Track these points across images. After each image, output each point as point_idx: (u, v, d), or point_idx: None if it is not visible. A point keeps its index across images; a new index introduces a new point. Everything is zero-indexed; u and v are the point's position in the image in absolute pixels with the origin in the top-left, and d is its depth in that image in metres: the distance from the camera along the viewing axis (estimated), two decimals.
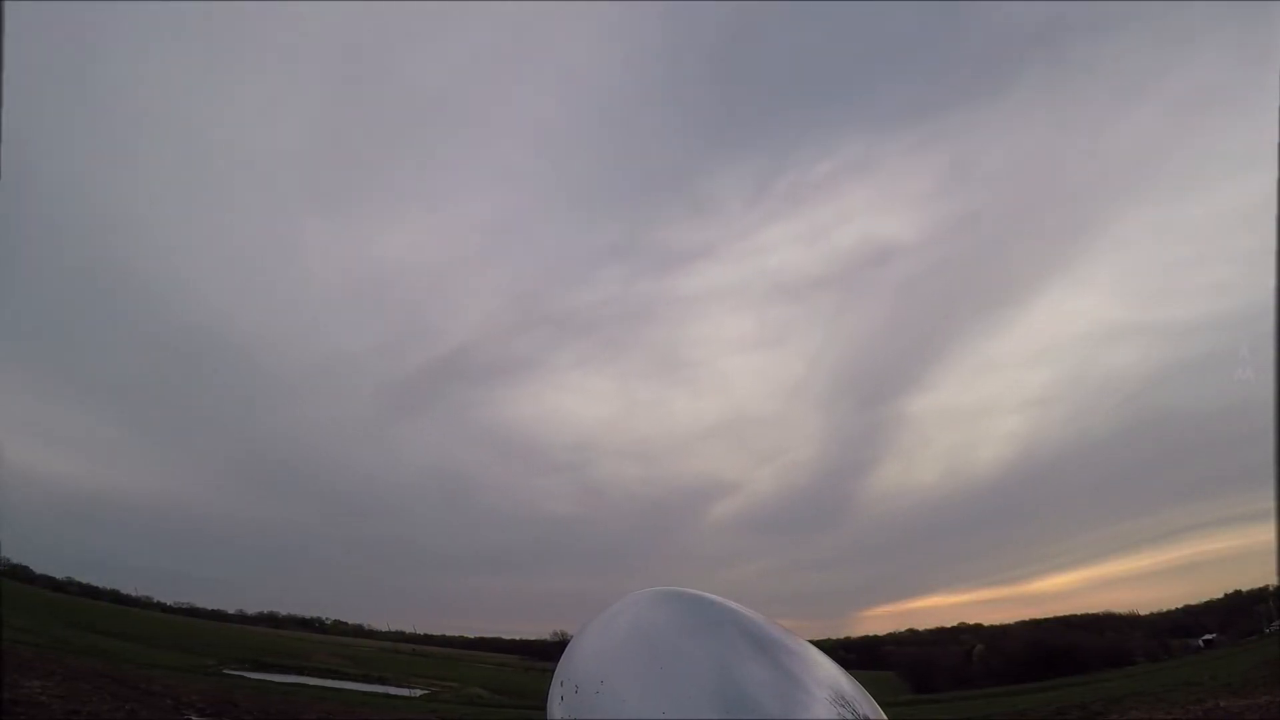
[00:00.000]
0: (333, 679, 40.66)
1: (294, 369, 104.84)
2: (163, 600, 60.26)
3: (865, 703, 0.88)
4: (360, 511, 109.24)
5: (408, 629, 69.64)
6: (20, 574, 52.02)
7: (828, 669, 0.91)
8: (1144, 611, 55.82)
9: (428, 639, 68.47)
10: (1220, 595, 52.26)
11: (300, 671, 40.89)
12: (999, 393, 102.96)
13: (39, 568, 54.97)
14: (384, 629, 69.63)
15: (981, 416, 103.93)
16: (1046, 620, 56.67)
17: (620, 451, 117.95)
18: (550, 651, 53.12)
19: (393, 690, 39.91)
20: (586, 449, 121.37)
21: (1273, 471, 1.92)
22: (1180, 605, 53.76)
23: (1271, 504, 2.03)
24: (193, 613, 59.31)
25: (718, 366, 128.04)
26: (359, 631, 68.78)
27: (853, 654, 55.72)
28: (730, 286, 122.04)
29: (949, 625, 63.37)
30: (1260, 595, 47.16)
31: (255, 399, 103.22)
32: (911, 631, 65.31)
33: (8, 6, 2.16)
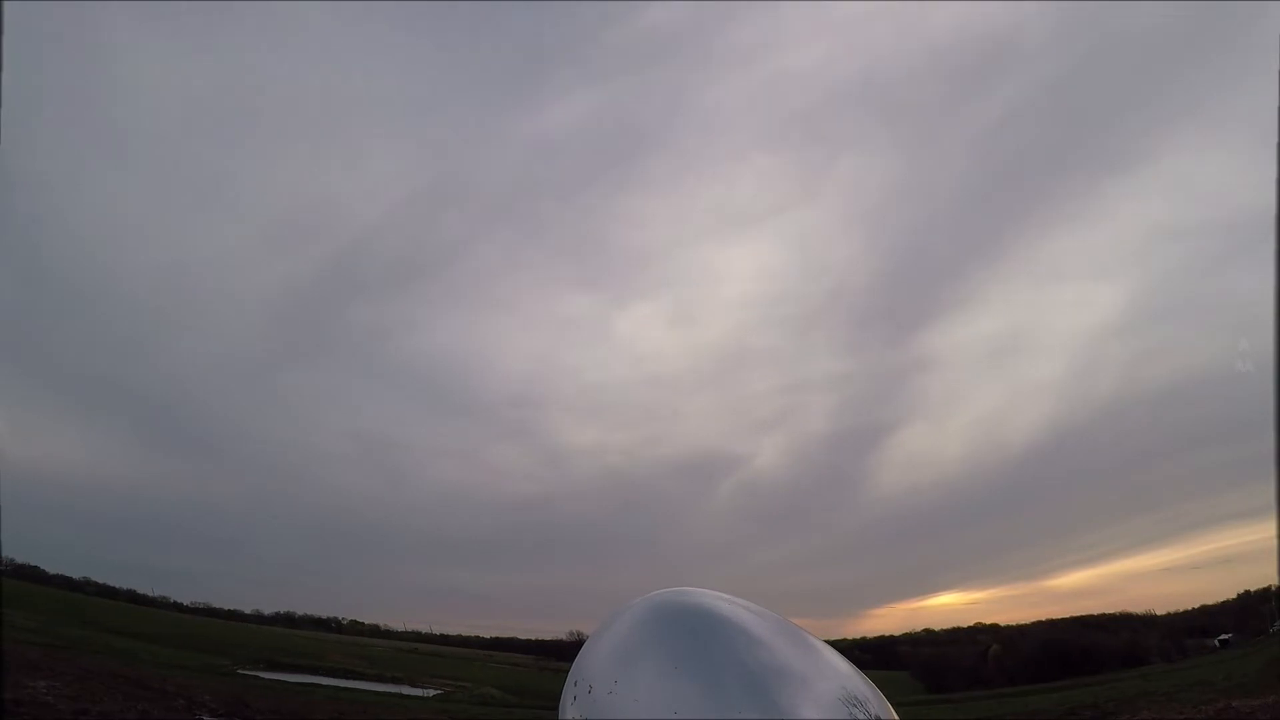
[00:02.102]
0: (347, 679, 40.90)
1: (137, 276, 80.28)
2: (180, 600, 60.94)
3: (878, 703, 0.88)
4: (290, 494, 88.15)
5: (424, 629, 69.74)
6: (29, 574, 52.23)
7: (840, 672, 0.91)
8: (1160, 611, 55.18)
9: (444, 639, 68.70)
10: (1233, 595, 51.35)
11: (315, 671, 41.17)
12: (1055, 318, 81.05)
13: (52, 567, 55.30)
14: (400, 629, 69.93)
15: (1027, 356, 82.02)
16: (1063, 620, 56.27)
17: (576, 408, 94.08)
18: (566, 651, 53.04)
19: (406, 690, 40.10)
20: (534, 405, 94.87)
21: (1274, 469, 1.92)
22: (1197, 605, 53.06)
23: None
24: (210, 613, 59.86)
25: (702, 266, 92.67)
26: (375, 631, 69.13)
27: (868, 654, 55.60)
28: (726, 112, 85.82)
29: (965, 625, 62.98)
30: (1264, 595, 46.37)
31: (105, 332, 79.30)
32: (928, 631, 64.99)
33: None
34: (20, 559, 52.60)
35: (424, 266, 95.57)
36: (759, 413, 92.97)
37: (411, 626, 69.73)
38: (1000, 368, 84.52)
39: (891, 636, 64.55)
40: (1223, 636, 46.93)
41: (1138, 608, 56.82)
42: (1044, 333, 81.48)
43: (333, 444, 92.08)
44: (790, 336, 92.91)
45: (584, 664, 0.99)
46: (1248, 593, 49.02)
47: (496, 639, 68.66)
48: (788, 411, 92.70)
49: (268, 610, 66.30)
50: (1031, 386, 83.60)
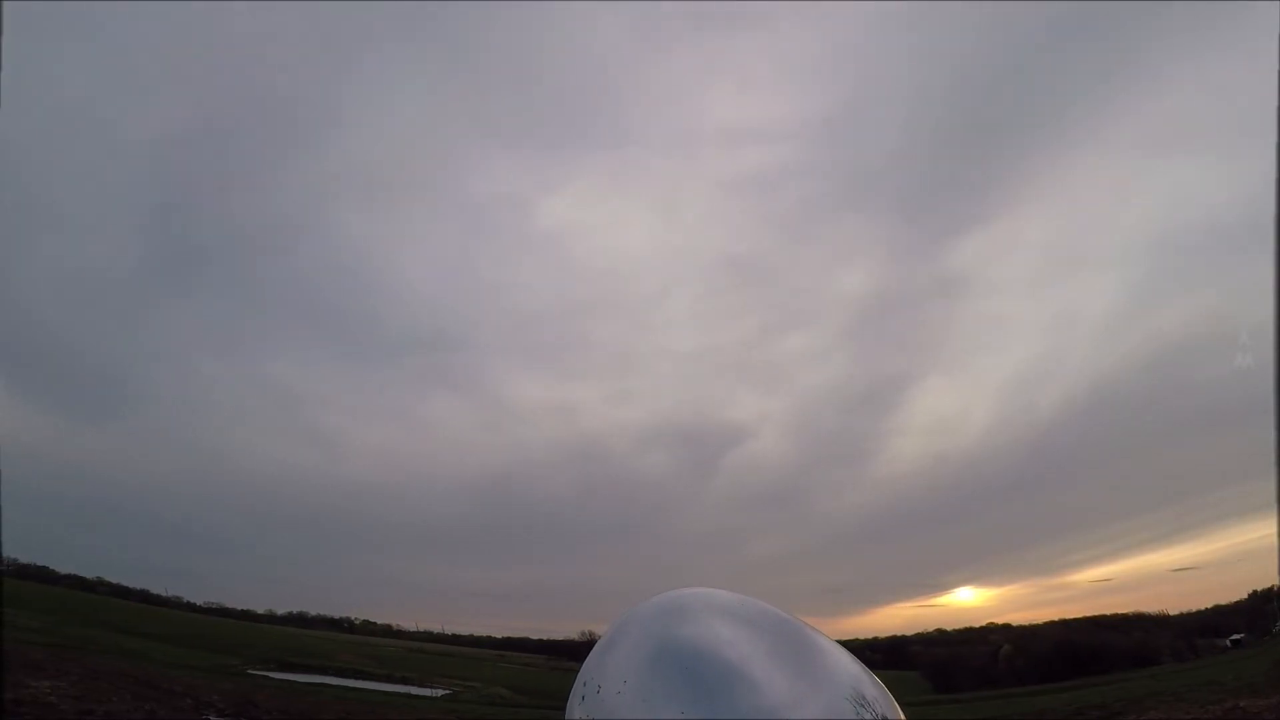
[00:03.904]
0: (357, 679, 41.16)
1: None
2: (192, 600, 61.46)
3: (886, 703, 0.89)
4: (214, 471, 72.52)
5: (436, 629, 69.85)
6: (34, 574, 52.36)
7: (847, 674, 0.91)
8: (1174, 611, 54.72)
9: (455, 639, 68.92)
10: (1245, 595, 50.50)
11: (324, 671, 41.44)
12: (1125, 216, 58.71)
13: (63, 567, 55.37)
14: (412, 629, 70.17)
15: (1079, 276, 61.82)
16: (1076, 620, 56.01)
17: (514, 348, 73.87)
18: (578, 651, 53.05)
19: (415, 690, 40.31)
20: (466, 347, 75.18)
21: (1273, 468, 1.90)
22: (1210, 605, 52.54)
23: None
24: (222, 613, 60.34)
25: (670, 115, 67.90)
26: (387, 631, 69.42)
27: (879, 654, 55.47)
28: None
29: (978, 625, 62.67)
30: (1266, 595, 45.80)
31: None
32: (940, 631, 64.72)
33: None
34: (25, 559, 52.51)
35: (299, 128, 69.14)
36: (754, 359, 72.80)
37: (423, 626, 69.95)
38: (1045, 293, 65.46)
39: (903, 636, 64.35)
40: (1234, 636, 46.57)
41: (1155, 606, 56.35)
42: (1106, 239, 61.15)
43: (243, 402, 74.69)
44: (792, 237, 70.88)
45: (594, 664, 1.00)
46: (1255, 592, 48.48)
47: (508, 639, 68.76)
48: (788, 358, 71.98)
49: (280, 610, 66.78)
50: (1075, 323, 64.68)
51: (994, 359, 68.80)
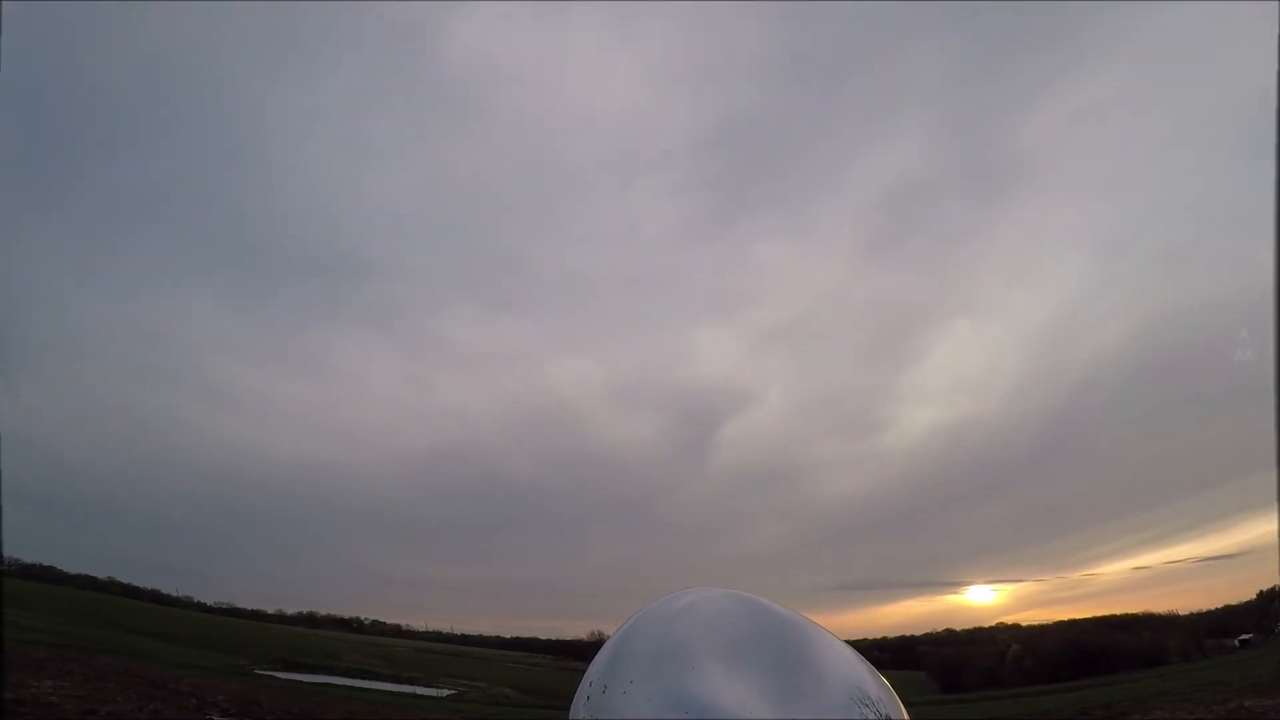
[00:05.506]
0: (363, 679, 41.39)
1: None
2: (203, 600, 61.95)
3: (890, 703, 0.89)
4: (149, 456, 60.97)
5: (444, 629, 70.16)
6: (38, 573, 52.41)
7: (850, 675, 0.91)
8: (1184, 611, 54.33)
9: (464, 639, 69.20)
10: (1254, 595, 49.89)
11: (331, 671, 41.69)
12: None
13: (72, 567, 55.44)
14: (421, 629, 70.51)
15: (1166, 162, 49.41)
16: (1085, 620, 55.76)
17: (436, 272, 57.80)
18: (586, 651, 53.13)
19: (421, 690, 40.50)
20: (394, 276, 59.56)
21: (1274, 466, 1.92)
22: (1220, 605, 52.07)
23: None
24: (232, 613, 60.81)
25: None
26: (396, 631, 69.77)
27: (887, 654, 55.36)
28: None
29: (987, 625, 62.44)
30: (1269, 595, 45.31)
31: None
32: (949, 631, 64.56)
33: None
34: (29, 559, 52.24)
35: None
36: (741, 287, 56.50)
37: (432, 626, 70.29)
38: (1109, 195, 51.92)
39: (912, 636, 64.26)
40: (1243, 636, 46.31)
41: (1167, 606, 55.92)
42: (1211, 120, 46.64)
43: (131, 356, 60.75)
44: (810, 90, 53.01)
45: (601, 664, 1.00)
46: (1262, 592, 47.92)
47: (517, 639, 69.06)
48: (785, 283, 56.10)
49: (290, 610, 67.21)
50: (1134, 245, 50.92)
51: (1031, 298, 56.09)
